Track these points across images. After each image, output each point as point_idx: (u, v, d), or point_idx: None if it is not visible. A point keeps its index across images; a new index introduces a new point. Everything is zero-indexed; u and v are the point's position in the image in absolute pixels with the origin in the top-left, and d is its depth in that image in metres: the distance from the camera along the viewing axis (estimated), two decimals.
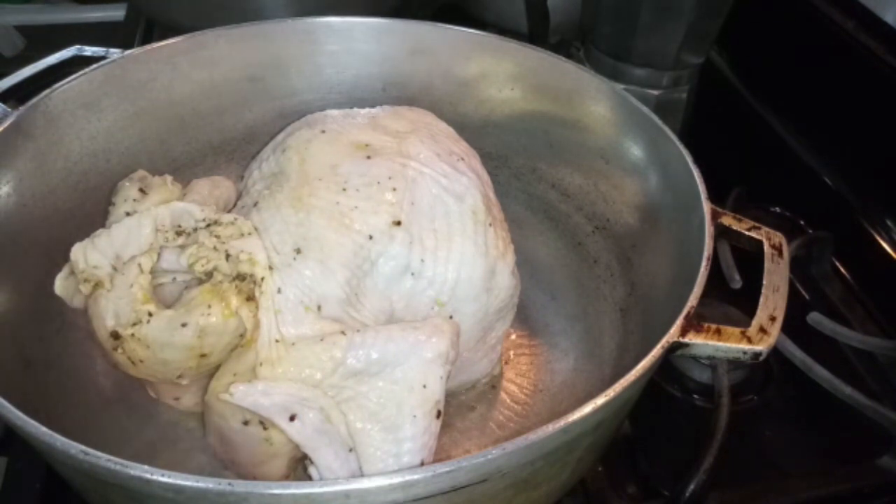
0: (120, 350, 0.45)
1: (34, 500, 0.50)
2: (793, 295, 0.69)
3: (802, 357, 0.60)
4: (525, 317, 0.62)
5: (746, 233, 0.49)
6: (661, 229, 0.55)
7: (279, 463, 0.45)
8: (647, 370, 0.39)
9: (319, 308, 0.46)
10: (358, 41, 0.64)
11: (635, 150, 0.58)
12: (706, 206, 0.48)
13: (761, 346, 0.43)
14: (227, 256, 0.46)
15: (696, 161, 0.51)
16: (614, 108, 0.59)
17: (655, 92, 0.74)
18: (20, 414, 0.36)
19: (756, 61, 0.88)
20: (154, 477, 0.33)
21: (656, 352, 0.40)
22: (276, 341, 0.44)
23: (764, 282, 0.46)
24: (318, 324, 0.45)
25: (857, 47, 0.72)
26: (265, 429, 0.43)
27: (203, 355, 0.45)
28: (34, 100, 0.53)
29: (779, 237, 0.48)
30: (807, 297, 0.70)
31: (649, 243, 0.56)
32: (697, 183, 0.49)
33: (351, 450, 0.43)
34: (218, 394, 0.44)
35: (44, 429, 0.35)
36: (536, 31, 0.80)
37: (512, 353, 0.61)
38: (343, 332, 0.45)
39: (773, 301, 0.45)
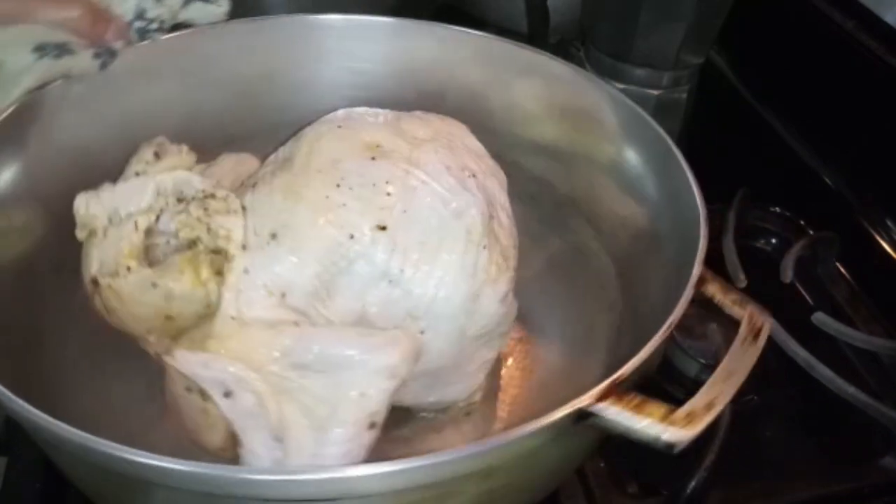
0: (97, 296, 0.47)
1: (34, 500, 0.50)
2: (796, 295, 0.70)
3: (805, 356, 0.60)
4: (523, 320, 0.61)
5: (729, 305, 0.43)
6: (655, 259, 0.53)
7: (217, 436, 0.45)
8: (536, 434, 0.35)
9: (284, 296, 0.46)
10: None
11: (647, 179, 0.56)
12: (696, 269, 0.43)
13: (679, 436, 0.36)
14: (209, 229, 0.47)
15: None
16: (624, 124, 0.57)
17: (655, 92, 0.74)
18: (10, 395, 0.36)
19: (756, 61, 0.88)
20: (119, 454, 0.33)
21: (557, 418, 0.35)
22: (232, 318, 0.45)
23: (720, 364, 0.40)
24: (277, 310, 0.46)
25: (857, 47, 0.72)
26: (204, 399, 0.44)
27: (169, 317, 0.46)
28: None
29: (762, 321, 0.42)
30: (810, 298, 0.70)
31: (646, 265, 0.54)
32: (700, 238, 0.45)
33: (279, 439, 0.43)
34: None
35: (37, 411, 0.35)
36: (536, 31, 0.80)
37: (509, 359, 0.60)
38: (297, 324, 0.45)
39: (719, 388, 0.39)
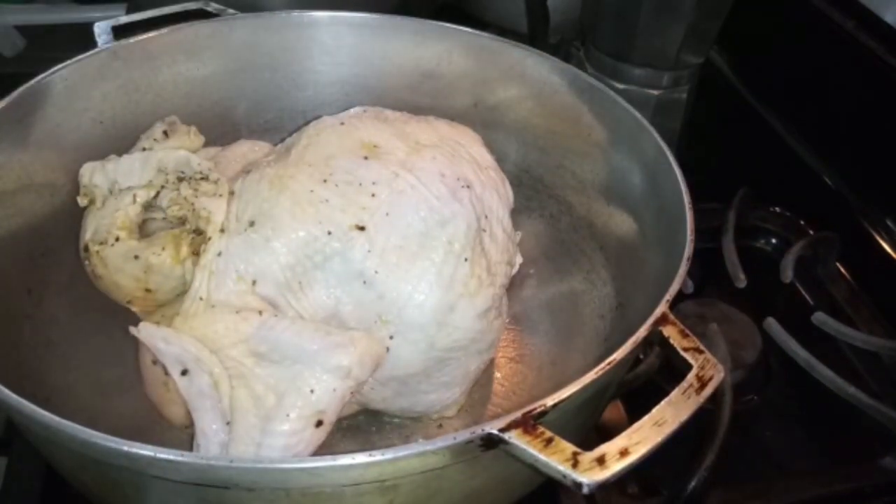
0: (87, 261, 0.50)
1: (34, 500, 0.50)
2: (796, 295, 0.70)
3: (806, 356, 0.60)
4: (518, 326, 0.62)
5: (682, 353, 0.40)
6: (645, 268, 0.53)
7: (178, 410, 0.47)
8: (435, 452, 0.34)
9: (255, 283, 0.46)
10: None
11: (637, 180, 0.56)
12: (660, 309, 0.41)
13: (585, 479, 0.33)
14: (194, 209, 0.49)
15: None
16: (618, 125, 0.57)
17: (655, 92, 0.74)
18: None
19: (756, 61, 0.88)
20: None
21: (463, 438, 0.34)
22: (200, 299, 0.46)
23: (652, 410, 0.36)
24: (246, 297, 0.46)
25: (857, 47, 0.72)
26: (166, 373, 0.45)
27: (148, 290, 0.49)
28: (135, 38, 0.57)
29: (714, 373, 0.39)
30: (810, 298, 0.70)
31: (636, 276, 0.54)
32: (684, 259, 0.44)
33: (228, 423, 0.43)
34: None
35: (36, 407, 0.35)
36: (536, 31, 0.80)
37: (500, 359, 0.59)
38: (260, 312, 0.45)
39: (642, 435, 0.35)
